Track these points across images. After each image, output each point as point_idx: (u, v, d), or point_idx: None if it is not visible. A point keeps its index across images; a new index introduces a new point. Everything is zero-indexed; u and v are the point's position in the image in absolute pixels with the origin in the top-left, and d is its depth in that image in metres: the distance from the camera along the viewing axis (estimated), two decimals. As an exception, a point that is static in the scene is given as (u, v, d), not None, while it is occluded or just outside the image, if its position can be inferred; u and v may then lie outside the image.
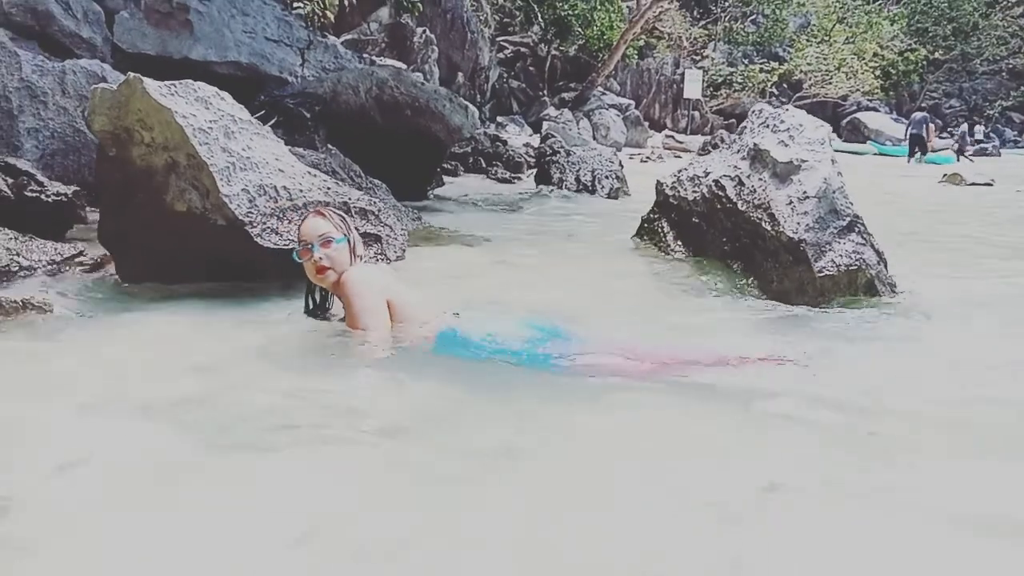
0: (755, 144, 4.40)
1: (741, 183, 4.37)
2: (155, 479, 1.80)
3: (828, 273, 3.75)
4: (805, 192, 3.95)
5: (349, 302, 2.72)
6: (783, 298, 3.86)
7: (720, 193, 4.51)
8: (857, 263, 3.76)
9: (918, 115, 23.82)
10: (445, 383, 2.46)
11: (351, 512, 1.67)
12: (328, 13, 14.28)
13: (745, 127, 4.75)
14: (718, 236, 4.55)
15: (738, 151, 4.62)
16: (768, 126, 4.47)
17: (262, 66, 8.67)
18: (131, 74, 3.48)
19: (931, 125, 23.24)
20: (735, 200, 4.35)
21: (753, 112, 4.79)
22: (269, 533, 1.55)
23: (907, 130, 23.91)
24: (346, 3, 15.03)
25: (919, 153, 22.47)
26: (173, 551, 1.50)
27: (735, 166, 4.52)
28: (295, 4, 12.61)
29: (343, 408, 2.28)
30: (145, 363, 2.71)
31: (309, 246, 2.81)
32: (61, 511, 1.64)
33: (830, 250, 3.81)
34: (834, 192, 3.94)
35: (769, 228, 3.98)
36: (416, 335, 2.72)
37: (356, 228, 3.05)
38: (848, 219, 3.91)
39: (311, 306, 3.06)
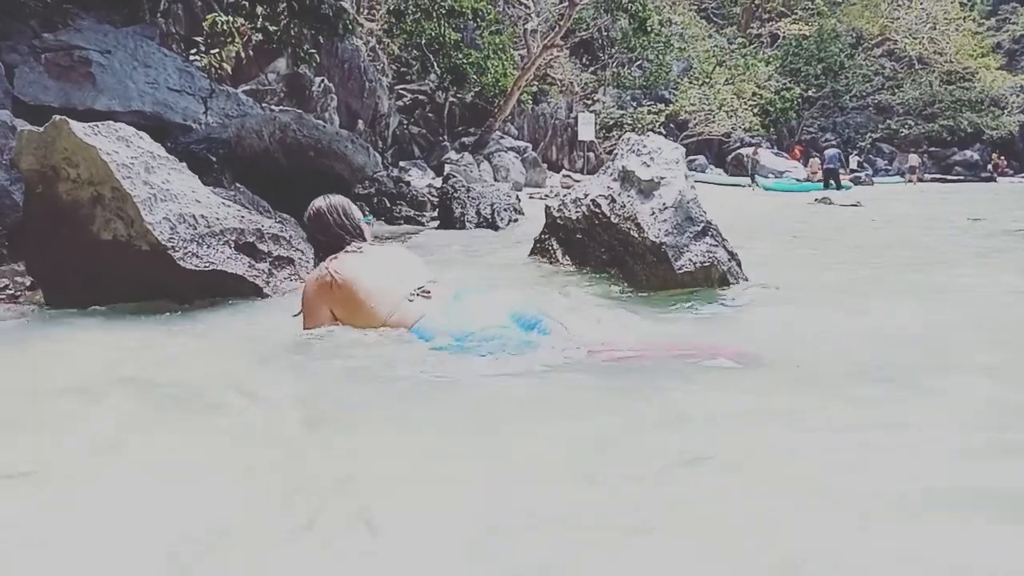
0: (623, 167, 5.04)
1: (614, 200, 4.98)
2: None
3: (686, 270, 4.38)
4: (664, 203, 4.59)
5: None
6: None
7: (597, 211, 5.12)
8: (710, 261, 4.41)
9: (831, 151, 25.95)
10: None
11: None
12: (225, 65, 14.57)
13: (616, 153, 5.39)
14: (598, 248, 5.15)
15: (611, 174, 5.25)
16: (634, 151, 5.11)
17: (166, 114, 8.94)
18: (57, 117, 3.83)
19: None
20: (609, 215, 4.96)
21: (622, 140, 5.44)
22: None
23: (822, 165, 25.79)
24: (243, 55, 15.32)
25: (834, 185, 24.14)
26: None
27: (608, 187, 5.13)
28: (192, 56, 12.86)
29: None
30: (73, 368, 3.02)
31: None
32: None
33: (687, 251, 4.45)
34: (688, 202, 4.60)
35: (636, 235, 4.60)
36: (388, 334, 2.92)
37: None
38: (702, 225, 4.56)
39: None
